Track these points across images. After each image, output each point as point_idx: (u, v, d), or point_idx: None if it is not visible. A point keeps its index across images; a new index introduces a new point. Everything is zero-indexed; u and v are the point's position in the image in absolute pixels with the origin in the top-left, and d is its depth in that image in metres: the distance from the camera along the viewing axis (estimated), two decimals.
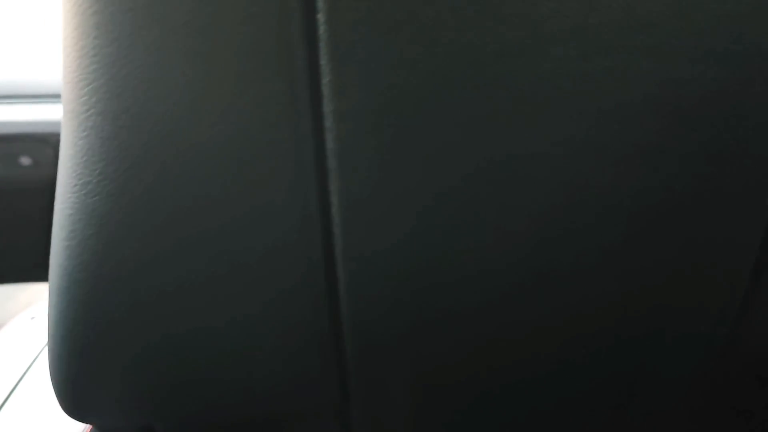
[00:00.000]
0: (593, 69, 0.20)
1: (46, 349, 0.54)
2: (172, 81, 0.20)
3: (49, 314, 0.27)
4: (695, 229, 0.22)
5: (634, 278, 0.23)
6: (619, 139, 0.21)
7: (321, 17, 0.19)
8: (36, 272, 0.92)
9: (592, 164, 0.21)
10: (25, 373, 0.51)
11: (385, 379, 0.26)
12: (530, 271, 0.23)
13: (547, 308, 0.24)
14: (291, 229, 0.22)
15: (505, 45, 0.20)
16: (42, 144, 0.86)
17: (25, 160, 0.87)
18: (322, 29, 0.19)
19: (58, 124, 0.87)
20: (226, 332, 0.24)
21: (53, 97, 0.89)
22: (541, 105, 0.20)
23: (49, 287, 0.26)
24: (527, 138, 0.21)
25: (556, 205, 0.22)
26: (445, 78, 0.20)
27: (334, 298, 0.24)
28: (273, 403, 0.27)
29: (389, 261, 0.23)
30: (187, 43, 0.20)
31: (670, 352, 0.26)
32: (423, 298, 0.23)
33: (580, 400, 0.27)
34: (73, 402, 0.28)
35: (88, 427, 0.32)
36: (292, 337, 0.25)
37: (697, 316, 0.25)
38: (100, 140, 0.21)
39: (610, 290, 0.24)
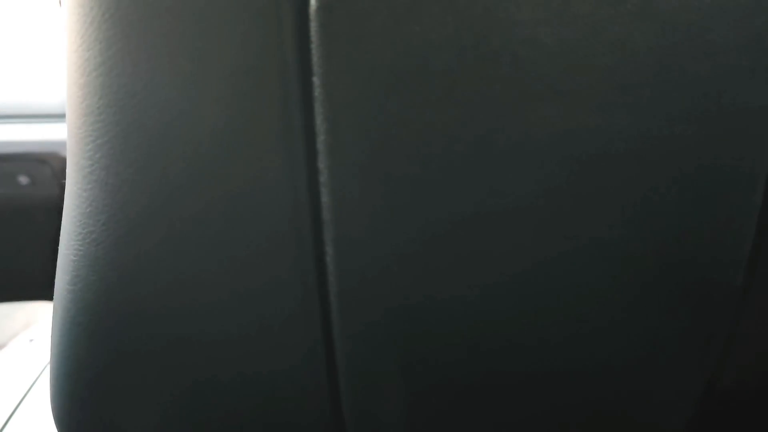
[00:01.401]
0: (576, 125, 0.21)
1: (46, 371, 0.55)
2: (174, 142, 0.21)
3: (51, 352, 0.28)
4: (678, 277, 0.23)
5: (618, 328, 0.24)
6: (602, 190, 0.22)
7: (316, 80, 0.20)
8: (33, 291, 0.92)
9: (575, 214, 0.22)
10: (24, 397, 0.52)
11: (377, 411, 0.27)
12: (517, 318, 0.24)
13: (536, 354, 0.25)
14: (286, 267, 0.23)
15: (495, 104, 0.21)
16: (40, 164, 0.87)
17: (24, 180, 0.88)
18: (317, 91, 0.20)
19: (56, 144, 0.88)
20: (226, 379, 0.25)
21: (52, 117, 0.89)
22: (526, 159, 0.21)
23: (52, 326, 0.27)
24: (513, 190, 0.22)
25: (543, 255, 0.23)
26: (436, 135, 0.21)
27: (329, 334, 0.25)
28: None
29: (380, 308, 0.23)
30: (190, 104, 0.20)
31: (660, 397, 0.26)
32: (414, 342, 0.24)
33: None
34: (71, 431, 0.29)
35: None
36: (289, 371, 0.25)
37: (689, 355, 0.26)
38: (104, 193, 0.22)
39: (598, 334, 0.25)
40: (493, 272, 0.23)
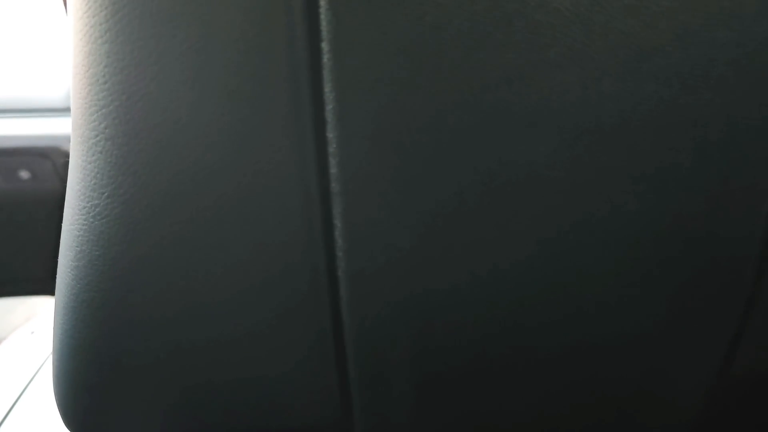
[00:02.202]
0: (594, 93, 0.20)
1: (47, 364, 0.54)
2: (180, 109, 0.20)
3: (54, 332, 0.27)
4: (696, 254, 0.23)
5: (635, 305, 0.24)
6: (620, 161, 0.21)
7: (325, 46, 0.20)
8: (35, 285, 0.92)
9: (592, 186, 0.22)
10: (25, 389, 0.51)
11: (387, 397, 0.26)
12: (531, 297, 0.23)
13: (547, 334, 0.24)
14: (293, 242, 0.23)
15: (510, 71, 0.20)
16: (41, 158, 0.87)
17: (25, 174, 0.88)
18: (326, 57, 0.20)
19: (57, 138, 0.87)
20: (231, 355, 0.25)
21: (52, 111, 0.89)
22: (542, 128, 0.21)
23: (55, 306, 0.27)
24: (529, 160, 0.21)
25: (558, 228, 0.22)
26: (449, 103, 0.20)
27: (338, 320, 0.24)
28: (276, 421, 0.27)
29: (391, 285, 0.23)
30: (195, 70, 0.20)
31: (672, 381, 0.26)
32: (426, 326, 0.24)
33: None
34: (76, 418, 0.29)
35: None
36: (298, 360, 0.25)
37: (698, 345, 0.25)
38: (109, 165, 0.22)
39: (611, 311, 0.24)
40: (509, 248, 0.23)
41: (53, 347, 0.28)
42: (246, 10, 0.19)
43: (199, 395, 0.27)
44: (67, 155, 0.86)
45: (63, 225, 0.25)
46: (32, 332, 0.62)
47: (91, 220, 0.23)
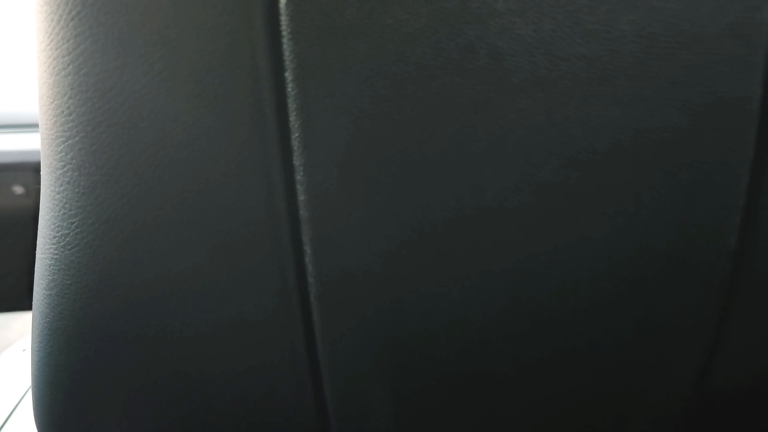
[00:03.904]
0: (559, 118, 0.20)
1: None
2: (145, 140, 0.20)
3: (32, 360, 0.27)
4: (666, 277, 0.23)
5: (603, 323, 0.24)
6: (588, 185, 0.21)
7: (288, 76, 0.20)
8: (30, 301, 0.92)
9: (560, 210, 0.22)
10: (15, 408, 0.51)
11: (364, 418, 0.26)
12: (501, 314, 0.23)
13: (519, 347, 0.24)
14: (264, 269, 0.23)
15: (473, 97, 0.20)
16: (35, 173, 0.87)
17: (19, 189, 0.88)
18: (290, 87, 0.20)
19: None
20: (205, 379, 0.25)
21: None
22: (508, 153, 0.21)
23: (32, 334, 0.27)
24: (497, 186, 0.21)
25: (529, 251, 0.22)
26: (414, 130, 0.20)
27: (311, 337, 0.24)
28: None
29: (362, 306, 0.23)
30: (159, 101, 0.20)
31: (648, 395, 0.26)
32: (400, 343, 0.24)
33: None
34: None
35: None
36: (271, 382, 0.25)
37: (673, 356, 0.25)
38: (77, 195, 0.22)
39: (583, 328, 0.24)
40: (477, 269, 0.23)
41: (31, 374, 0.28)
42: (209, 41, 0.19)
43: (172, 414, 0.26)
44: None
45: (37, 253, 0.25)
46: (24, 350, 0.62)
47: (62, 249, 0.23)
